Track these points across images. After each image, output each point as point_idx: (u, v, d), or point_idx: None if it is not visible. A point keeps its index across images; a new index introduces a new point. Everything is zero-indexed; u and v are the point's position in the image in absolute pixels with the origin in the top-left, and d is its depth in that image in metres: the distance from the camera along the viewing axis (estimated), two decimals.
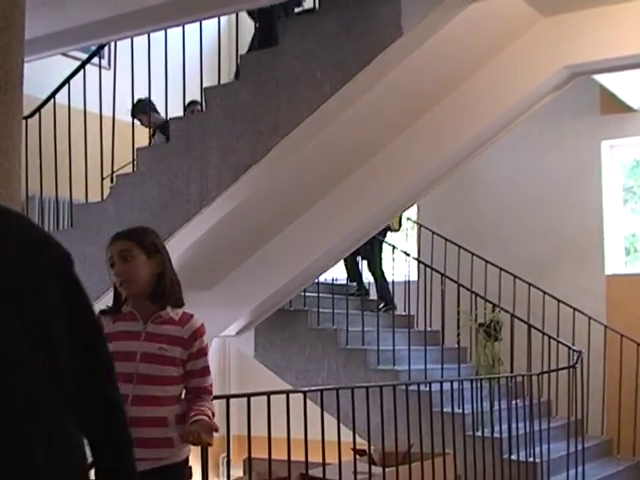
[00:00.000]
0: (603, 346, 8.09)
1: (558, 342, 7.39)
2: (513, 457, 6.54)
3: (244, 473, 5.04)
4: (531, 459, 6.62)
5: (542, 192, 8.94)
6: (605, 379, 8.03)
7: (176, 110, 6.05)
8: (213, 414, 3.15)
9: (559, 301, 8.17)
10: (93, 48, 6.83)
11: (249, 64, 5.44)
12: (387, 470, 5.31)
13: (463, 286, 7.80)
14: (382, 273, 8.62)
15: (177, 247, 5.77)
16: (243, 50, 6.01)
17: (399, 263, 8.69)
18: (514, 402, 6.70)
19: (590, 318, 8.11)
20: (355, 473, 4.85)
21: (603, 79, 7.89)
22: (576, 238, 8.76)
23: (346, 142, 5.97)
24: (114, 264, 3.13)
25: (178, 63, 6.03)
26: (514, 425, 6.60)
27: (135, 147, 6.00)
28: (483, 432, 6.39)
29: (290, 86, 5.20)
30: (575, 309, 8.05)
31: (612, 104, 8.54)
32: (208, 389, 3.21)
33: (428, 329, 8.09)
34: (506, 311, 7.72)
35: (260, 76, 5.31)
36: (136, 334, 3.10)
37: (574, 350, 7.19)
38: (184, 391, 3.18)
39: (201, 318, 3.27)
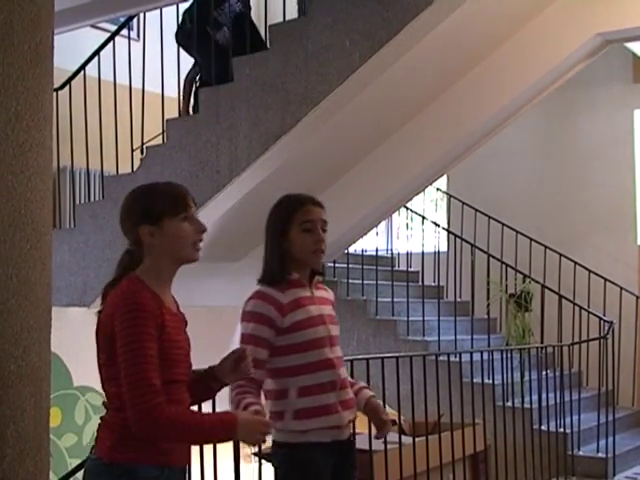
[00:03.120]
0: (635, 317, 8.03)
1: (589, 313, 7.35)
2: (543, 427, 6.54)
3: None
4: (561, 429, 6.62)
5: (573, 161, 8.86)
6: (636, 350, 7.99)
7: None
8: None
9: (590, 271, 8.12)
10: (122, 20, 6.83)
11: (278, 34, 5.41)
12: (417, 440, 5.33)
13: (493, 256, 7.77)
14: None
15: (207, 218, 5.78)
16: (272, 20, 5.99)
17: (429, 234, 8.67)
18: (544, 373, 6.70)
19: (622, 288, 8.05)
20: (385, 442, 4.87)
21: (636, 47, 7.78)
22: (608, 208, 8.68)
23: (375, 112, 5.94)
24: (313, 229, 2.98)
25: None
26: (544, 396, 6.60)
27: (165, 118, 6.01)
28: (513, 402, 6.39)
29: (319, 56, 5.17)
30: (606, 279, 8.00)
31: None
32: None
33: (458, 300, 8.08)
34: (536, 282, 7.70)
35: (289, 46, 5.29)
36: (311, 299, 3.02)
37: (605, 321, 7.15)
38: None
39: (232, 289, 3.30)
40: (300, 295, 2.99)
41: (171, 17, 6.20)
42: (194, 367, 2.67)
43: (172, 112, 6.05)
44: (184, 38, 6.06)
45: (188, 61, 6.22)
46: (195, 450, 4.05)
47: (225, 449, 4.22)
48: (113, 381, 2.39)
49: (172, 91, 6.21)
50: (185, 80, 6.40)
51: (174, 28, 6.18)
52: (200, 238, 2.57)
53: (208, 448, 4.11)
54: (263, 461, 4.79)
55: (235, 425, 2.41)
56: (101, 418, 2.50)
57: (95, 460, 2.44)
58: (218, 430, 2.42)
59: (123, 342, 2.33)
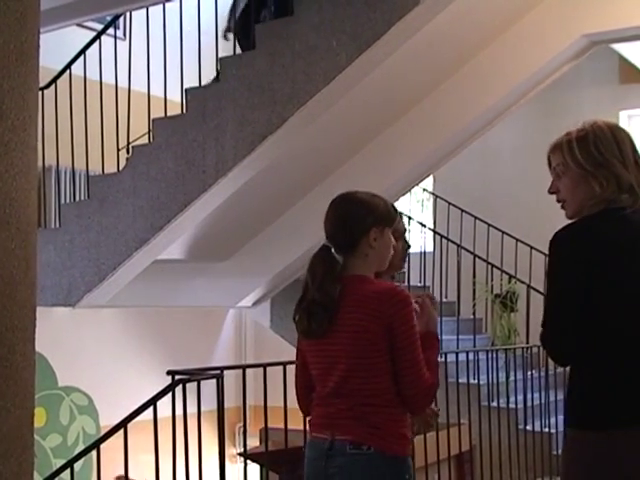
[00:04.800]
0: None
1: None
2: (528, 427, 6.56)
3: (260, 442, 5.07)
4: (546, 429, 6.64)
5: None
6: None
7: (192, 81, 6.02)
8: None
9: None
10: (109, 19, 6.81)
11: (265, 34, 5.41)
12: None
13: (479, 257, 7.78)
14: None
15: (194, 218, 5.79)
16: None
17: (415, 234, 8.68)
18: (530, 373, 6.72)
19: None
20: None
21: (622, 48, 7.81)
22: None
23: (362, 113, 5.94)
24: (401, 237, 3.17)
25: (193, 33, 6.01)
26: (529, 396, 6.62)
27: (151, 118, 6.00)
28: (498, 402, 6.40)
29: (306, 56, 5.17)
30: None
31: (631, 74, 8.46)
32: None
33: (444, 300, 8.08)
34: (522, 282, 7.71)
35: (276, 46, 5.29)
36: None
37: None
38: None
39: (217, 289, 3.29)
40: None
41: (157, 16, 6.18)
42: (176, 367, 2.68)
43: (158, 111, 6.03)
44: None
45: (174, 61, 6.20)
46: (180, 450, 4.05)
47: (210, 449, 4.23)
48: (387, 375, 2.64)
49: (158, 90, 6.19)
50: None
51: (160, 27, 6.16)
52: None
53: (193, 449, 4.10)
54: (248, 461, 4.79)
55: None
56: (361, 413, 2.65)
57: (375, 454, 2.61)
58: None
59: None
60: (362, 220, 2.70)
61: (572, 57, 6.20)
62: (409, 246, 3.27)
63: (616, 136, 2.47)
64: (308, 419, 2.87)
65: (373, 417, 2.63)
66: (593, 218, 2.44)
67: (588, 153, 2.45)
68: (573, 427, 2.42)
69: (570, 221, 2.54)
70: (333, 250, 2.72)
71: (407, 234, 3.25)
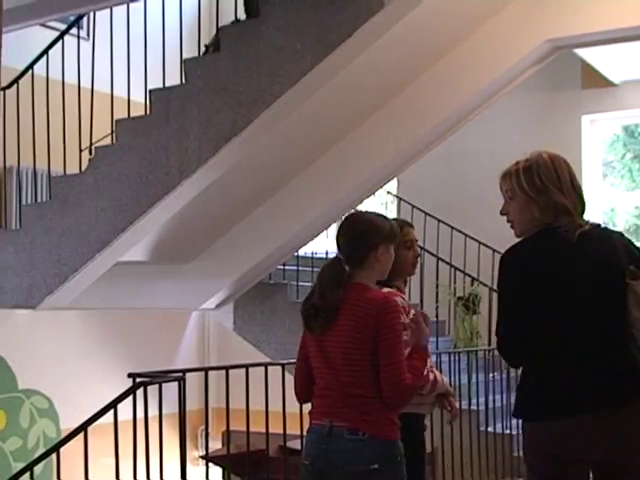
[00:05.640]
0: None
1: None
2: (490, 429, 6.60)
3: (223, 445, 5.06)
4: (507, 431, 6.68)
5: None
6: None
7: (156, 82, 5.99)
8: None
9: None
10: (72, 19, 6.75)
11: (229, 35, 5.39)
12: None
13: (442, 260, 7.82)
14: None
15: (157, 220, 5.75)
16: (224, 21, 5.96)
17: None
18: (492, 375, 6.76)
19: None
20: None
21: (585, 53, 7.89)
22: None
23: (327, 115, 5.94)
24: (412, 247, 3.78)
25: (158, 34, 5.98)
26: (491, 398, 6.66)
27: (114, 119, 5.95)
28: (460, 404, 6.42)
29: (271, 58, 5.16)
30: None
31: (593, 79, 8.55)
32: None
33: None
34: (484, 284, 7.76)
35: (240, 47, 5.27)
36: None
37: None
38: None
39: (180, 291, 3.29)
40: None
41: (121, 16, 6.14)
42: (138, 370, 2.67)
43: (122, 112, 5.99)
44: None
45: (138, 61, 6.16)
46: (141, 453, 4.03)
47: (172, 453, 4.20)
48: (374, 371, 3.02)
49: (122, 91, 6.15)
50: None
51: (124, 27, 6.12)
52: None
53: (154, 452, 4.08)
54: (211, 464, 4.77)
55: None
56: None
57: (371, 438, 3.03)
58: None
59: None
60: (370, 238, 3.15)
61: (536, 61, 6.24)
62: (419, 254, 3.80)
63: (555, 166, 2.88)
64: (308, 409, 3.25)
65: (365, 406, 3.04)
66: (532, 238, 2.82)
67: (532, 182, 2.83)
68: (522, 419, 2.88)
69: (517, 240, 2.89)
70: (343, 261, 3.16)
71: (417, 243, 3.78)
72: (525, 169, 2.87)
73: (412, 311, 3.41)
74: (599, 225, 2.90)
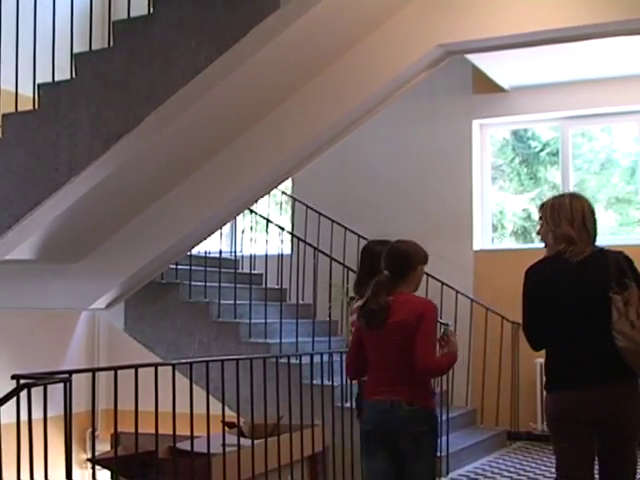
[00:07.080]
0: (469, 319, 8.33)
1: None
2: None
3: (111, 447, 4.98)
4: None
5: (414, 169, 9.11)
6: (470, 352, 8.28)
7: (45, 76, 5.85)
8: None
9: (428, 275, 8.35)
10: None
11: (123, 30, 5.31)
12: (256, 442, 5.34)
13: (335, 260, 7.88)
14: None
15: (45, 217, 5.62)
16: (116, 16, 5.86)
17: (273, 236, 8.70)
18: None
19: (457, 292, 8.32)
20: (224, 445, 4.86)
21: (476, 59, 8.06)
22: (446, 214, 8.96)
23: (222, 113, 5.92)
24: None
25: (48, 28, 5.83)
26: None
27: (1, 112, 5.79)
28: (351, 403, 6.49)
29: (165, 55, 5.11)
30: (443, 283, 8.24)
31: (484, 84, 8.75)
32: None
33: (300, 302, 8.14)
34: None
35: (134, 43, 5.20)
36: None
37: (441, 323, 7.36)
38: None
39: (69, 290, 3.21)
40: None
41: (10, 8, 5.97)
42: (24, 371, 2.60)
43: (9, 106, 5.82)
44: None
45: (27, 55, 6.00)
46: (24, 453, 3.92)
47: (58, 456, 4.11)
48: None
49: (10, 84, 5.98)
50: None
51: (14, 19, 5.95)
52: None
53: (39, 456, 3.99)
54: (99, 467, 4.68)
55: None
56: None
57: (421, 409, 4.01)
58: None
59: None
60: (411, 261, 4.19)
61: (428, 66, 6.35)
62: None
63: (572, 207, 3.75)
64: (365, 388, 4.20)
65: (414, 382, 3.98)
66: (547, 259, 3.81)
67: (552, 217, 3.78)
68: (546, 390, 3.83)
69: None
70: (390, 276, 4.13)
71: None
72: (551, 207, 3.80)
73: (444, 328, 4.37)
74: (602, 249, 3.75)
